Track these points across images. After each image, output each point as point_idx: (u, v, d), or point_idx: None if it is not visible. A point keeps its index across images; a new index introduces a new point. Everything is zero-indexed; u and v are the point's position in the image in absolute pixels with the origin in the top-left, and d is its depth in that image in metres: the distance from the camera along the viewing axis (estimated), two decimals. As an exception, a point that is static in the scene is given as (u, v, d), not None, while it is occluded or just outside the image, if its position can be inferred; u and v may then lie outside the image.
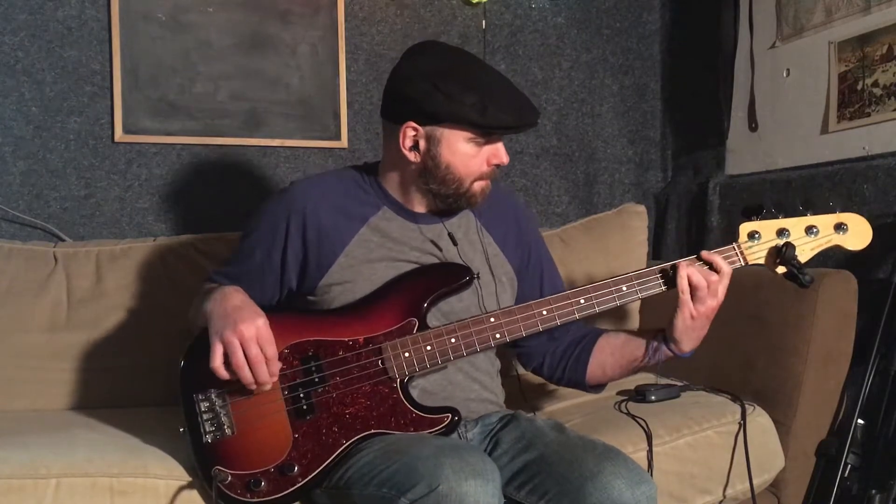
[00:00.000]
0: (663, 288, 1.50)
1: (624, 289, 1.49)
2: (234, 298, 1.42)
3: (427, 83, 1.43)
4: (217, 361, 1.34)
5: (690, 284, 1.45)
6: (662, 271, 1.50)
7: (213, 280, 1.59)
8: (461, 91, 1.41)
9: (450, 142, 1.46)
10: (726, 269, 1.47)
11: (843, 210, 1.52)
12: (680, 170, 2.84)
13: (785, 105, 2.42)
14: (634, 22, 2.84)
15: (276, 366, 1.38)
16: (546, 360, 1.66)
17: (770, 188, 2.39)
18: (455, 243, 1.55)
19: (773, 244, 1.49)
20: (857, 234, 1.51)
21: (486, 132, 1.46)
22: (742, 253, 1.50)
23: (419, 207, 1.57)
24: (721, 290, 1.47)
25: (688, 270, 1.46)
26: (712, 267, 1.48)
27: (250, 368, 1.34)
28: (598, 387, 1.66)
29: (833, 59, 2.23)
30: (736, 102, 2.59)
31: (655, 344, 1.53)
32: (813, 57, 2.30)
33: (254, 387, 1.37)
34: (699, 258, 1.49)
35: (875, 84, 2.11)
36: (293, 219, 1.52)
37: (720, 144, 2.64)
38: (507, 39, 2.67)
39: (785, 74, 2.41)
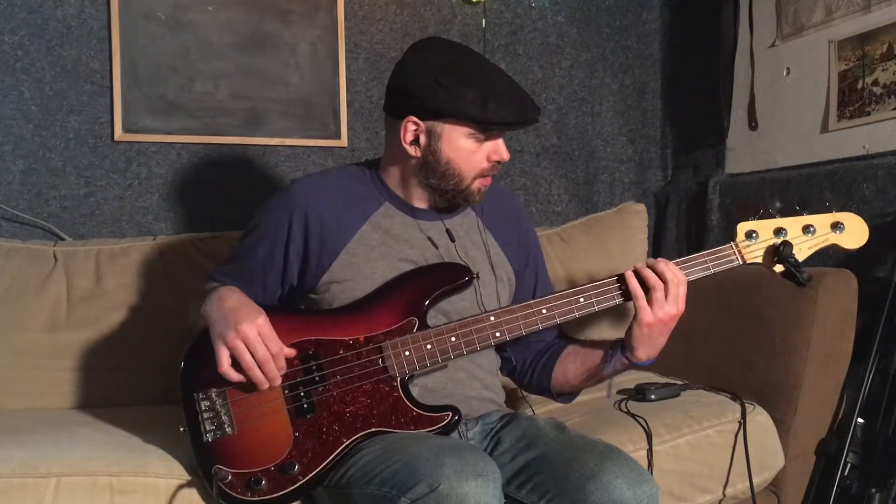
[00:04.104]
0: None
1: (623, 288, 1.47)
2: (230, 299, 1.41)
3: (428, 78, 1.43)
4: (225, 365, 1.34)
5: (645, 286, 1.42)
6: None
7: (214, 279, 1.59)
8: (462, 86, 1.41)
9: (450, 137, 1.46)
10: (682, 276, 1.43)
11: (840, 209, 1.52)
12: (680, 169, 2.84)
13: (785, 104, 2.42)
14: (634, 21, 2.84)
15: (283, 358, 1.38)
16: (517, 366, 1.66)
17: (770, 187, 2.39)
18: (453, 240, 1.55)
19: (770, 243, 1.49)
20: (854, 233, 1.51)
21: (486, 128, 1.46)
22: (740, 252, 1.49)
23: (419, 203, 1.57)
24: (681, 298, 1.42)
25: (641, 272, 1.42)
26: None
27: (259, 367, 1.35)
28: (564, 395, 1.64)
29: (833, 58, 2.23)
30: (736, 101, 2.59)
31: (611, 353, 1.49)
32: (813, 56, 2.30)
33: (265, 385, 1.37)
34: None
35: (875, 83, 2.11)
36: (296, 216, 1.52)
37: (720, 143, 2.64)
38: (507, 38, 2.67)
39: (785, 73, 2.41)
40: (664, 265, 1.43)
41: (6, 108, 2.17)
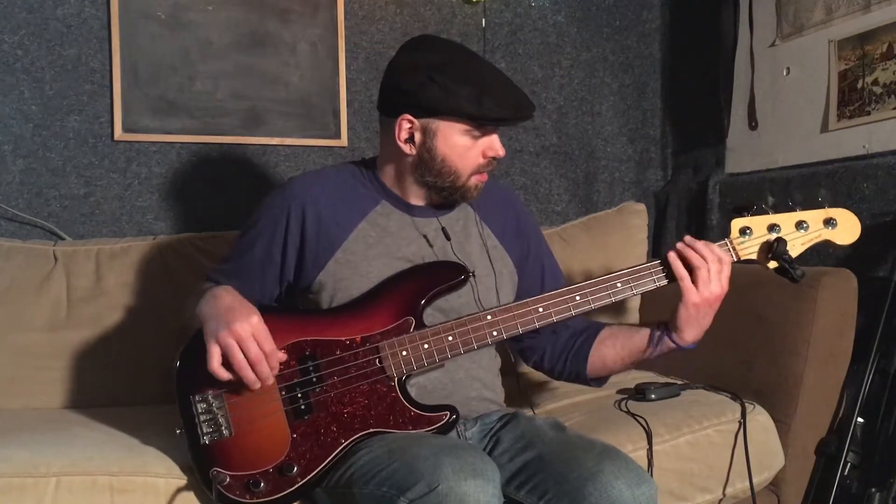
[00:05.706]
0: (664, 282, 1.48)
1: (618, 285, 1.47)
2: (224, 299, 1.41)
3: (423, 76, 1.43)
4: (215, 364, 1.34)
5: (689, 266, 1.44)
6: (662, 264, 1.48)
7: (211, 279, 1.59)
8: (457, 83, 1.41)
9: (445, 134, 1.46)
10: (725, 256, 1.46)
11: (834, 205, 1.53)
12: (680, 168, 2.84)
13: (785, 103, 2.42)
14: (634, 20, 2.84)
15: (276, 359, 1.37)
16: (546, 355, 1.65)
17: (770, 187, 2.39)
18: (448, 238, 1.55)
19: (764, 239, 1.50)
20: (846, 228, 1.52)
21: (481, 124, 1.46)
22: (734, 248, 1.50)
23: (416, 200, 1.57)
24: (725, 277, 1.45)
25: (683, 252, 1.44)
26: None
27: (251, 367, 1.34)
28: (598, 380, 1.64)
29: (833, 58, 2.23)
30: (736, 101, 2.59)
31: (658, 334, 1.50)
32: (813, 55, 2.30)
33: (257, 385, 1.36)
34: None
35: (875, 82, 2.11)
36: (293, 213, 1.52)
37: (720, 143, 2.64)
38: (507, 38, 2.67)
39: (785, 73, 2.41)
40: (704, 245, 1.45)
41: (6, 107, 2.17)
